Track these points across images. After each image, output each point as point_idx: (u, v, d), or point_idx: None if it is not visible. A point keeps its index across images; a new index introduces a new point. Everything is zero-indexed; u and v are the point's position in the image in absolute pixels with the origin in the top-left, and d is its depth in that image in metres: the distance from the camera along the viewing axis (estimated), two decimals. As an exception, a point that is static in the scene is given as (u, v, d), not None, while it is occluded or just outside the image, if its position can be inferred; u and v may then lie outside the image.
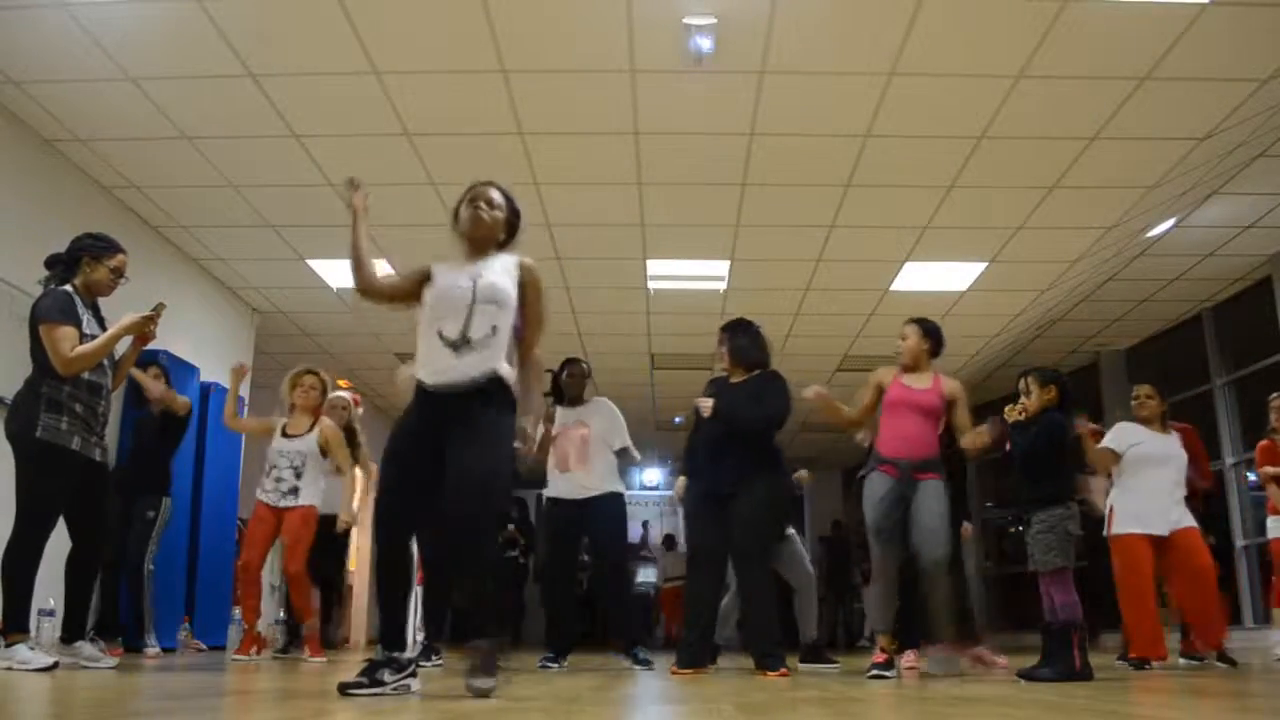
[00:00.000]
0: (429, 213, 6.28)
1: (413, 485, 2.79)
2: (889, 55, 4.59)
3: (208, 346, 7.16)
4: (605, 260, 7.18)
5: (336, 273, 7.39)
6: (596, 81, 4.86)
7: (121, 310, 3.81)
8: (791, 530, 5.00)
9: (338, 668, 4.21)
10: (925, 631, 4.25)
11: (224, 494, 7.14)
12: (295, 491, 5.04)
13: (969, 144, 5.39)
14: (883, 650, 3.97)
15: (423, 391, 2.81)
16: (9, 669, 3.32)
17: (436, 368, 2.78)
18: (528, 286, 2.91)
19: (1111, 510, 4.68)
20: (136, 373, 4.94)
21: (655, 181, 5.91)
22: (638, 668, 4.60)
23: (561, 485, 4.85)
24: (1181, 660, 5.00)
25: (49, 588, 3.64)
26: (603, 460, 4.84)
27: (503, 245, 3.01)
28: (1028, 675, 3.62)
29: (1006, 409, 4.02)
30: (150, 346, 4.03)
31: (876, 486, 4.07)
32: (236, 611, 7.30)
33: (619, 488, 4.86)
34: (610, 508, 4.79)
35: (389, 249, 6.96)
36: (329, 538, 5.44)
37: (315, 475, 5.12)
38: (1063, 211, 6.15)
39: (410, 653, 2.77)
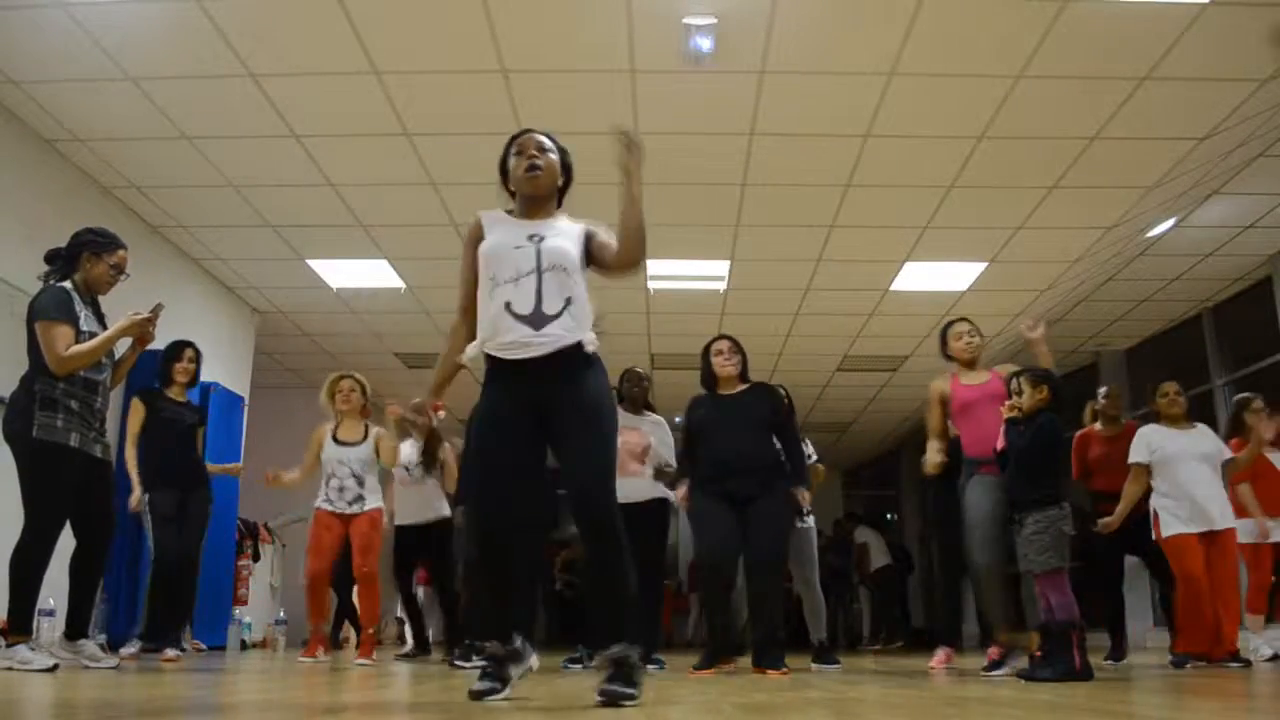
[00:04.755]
0: (429, 213, 6.29)
1: (509, 472, 2.52)
2: (889, 55, 4.59)
3: (208, 346, 7.08)
4: (605, 260, 7.18)
5: (336, 273, 7.39)
6: (596, 81, 4.86)
7: (121, 309, 3.80)
8: (810, 520, 5.01)
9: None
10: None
11: (224, 495, 7.13)
12: (360, 499, 5.10)
13: (969, 144, 5.39)
14: (998, 644, 4.12)
15: (502, 366, 2.53)
16: (9, 669, 3.32)
17: (511, 341, 2.49)
18: (593, 239, 2.67)
19: (1156, 515, 4.71)
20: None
21: (656, 181, 5.89)
22: (650, 667, 4.60)
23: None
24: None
25: (48, 587, 3.63)
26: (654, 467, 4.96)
27: (561, 192, 2.78)
28: (1028, 675, 3.61)
29: (1003, 406, 4.03)
30: (149, 346, 4.02)
31: (981, 497, 4.15)
32: (237, 611, 7.31)
33: (665, 494, 4.89)
34: (657, 515, 4.82)
35: (389, 249, 6.97)
36: (443, 542, 5.59)
37: (375, 480, 5.19)
38: (1063, 211, 6.16)
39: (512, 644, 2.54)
